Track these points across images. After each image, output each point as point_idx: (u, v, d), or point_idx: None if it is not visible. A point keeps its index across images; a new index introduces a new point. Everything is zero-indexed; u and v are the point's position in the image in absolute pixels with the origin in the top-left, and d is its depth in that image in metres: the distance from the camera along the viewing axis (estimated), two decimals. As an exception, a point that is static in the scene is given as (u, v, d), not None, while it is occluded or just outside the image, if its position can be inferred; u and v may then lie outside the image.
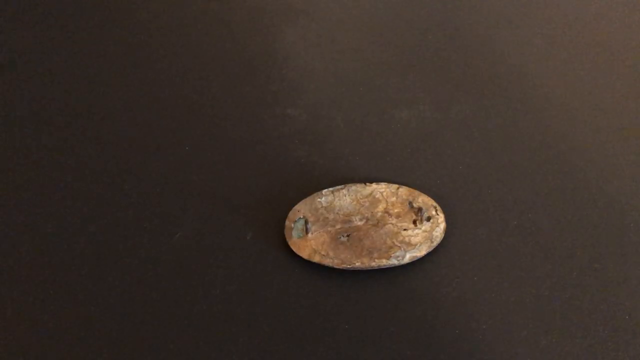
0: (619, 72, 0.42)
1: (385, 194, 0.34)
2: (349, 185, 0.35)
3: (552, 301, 0.31)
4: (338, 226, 0.33)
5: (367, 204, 0.34)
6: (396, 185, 0.35)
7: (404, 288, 0.32)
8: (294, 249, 0.32)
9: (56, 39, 0.46)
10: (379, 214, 0.33)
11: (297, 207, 0.34)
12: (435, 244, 0.32)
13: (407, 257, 0.32)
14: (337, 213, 0.33)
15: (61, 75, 0.43)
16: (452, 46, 0.45)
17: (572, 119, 0.40)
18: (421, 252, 0.32)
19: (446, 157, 0.38)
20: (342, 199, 0.34)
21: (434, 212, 0.33)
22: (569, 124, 0.39)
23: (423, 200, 0.34)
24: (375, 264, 0.32)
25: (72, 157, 0.38)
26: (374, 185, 0.34)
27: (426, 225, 0.33)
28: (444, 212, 0.34)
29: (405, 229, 0.33)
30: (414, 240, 0.32)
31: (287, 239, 0.33)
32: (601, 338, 0.30)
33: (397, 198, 0.34)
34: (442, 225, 0.33)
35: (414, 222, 0.33)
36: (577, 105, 0.40)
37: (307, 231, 0.33)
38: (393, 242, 0.32)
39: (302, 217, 0.33)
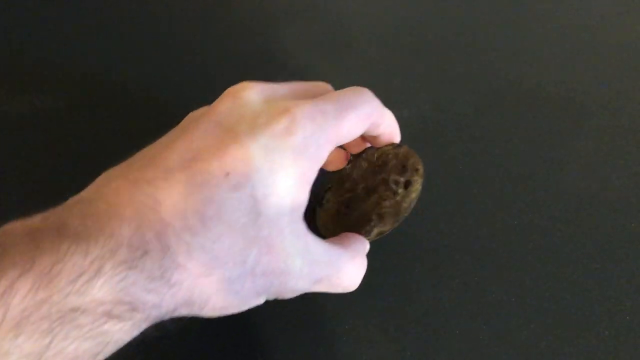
0: (622, 71, 0.42)
1: (391, 155, 0.31)
2: (369, 149, 0.32)
3: (552, 301, 0.31)
4: (347, 195, 0.31)
5: (377, 168, 0.31)
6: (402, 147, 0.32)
7: (404, 287, 0.32)
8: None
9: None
10: (377, 180, 0.31)
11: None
12: (401, 217, 0.30)
13: (375, 233, 0.30)
14: (352, 181, 0.32)
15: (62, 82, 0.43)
16: (452, 46, 0.45)
17: (573, 118, 0.40)
18: (386, 226, 0.30)
19: (446, 157, 0.38)
20: (360, 165, 0.32)
21: (415, 177, 0.30)
22: (570, 123, 0.39)
23: (414, 162, 0.31)
24: None
25: (74, 160, 0.38)
26: (384, 148, 0.32)
27: (400, 195, 0.30)
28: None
29: (385, 199, 0.31)
30: (386, 212, 0.30)
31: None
32: (601, 338, 0.30)
33: (397, 160, 0.31)
34: (413, 195, 0.30)
35: (393, 191, 0.31)
36: (578, 104, 0.40)
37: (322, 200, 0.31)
38: (371, 216, 0.30)
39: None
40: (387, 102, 0.42)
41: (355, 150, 0.32)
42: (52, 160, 0.38)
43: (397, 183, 0.30)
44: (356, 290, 0.32)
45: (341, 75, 0.42)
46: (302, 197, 0.23)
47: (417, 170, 0.30)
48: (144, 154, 0.22)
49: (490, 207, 0.35)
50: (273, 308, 0.31)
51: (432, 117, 0.40)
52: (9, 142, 0.39)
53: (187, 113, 0.26)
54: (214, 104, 0.24)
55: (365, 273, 0.32)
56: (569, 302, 0.31)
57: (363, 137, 0.31)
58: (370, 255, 0.33)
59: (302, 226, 0.23)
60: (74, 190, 0.22)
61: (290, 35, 0.46)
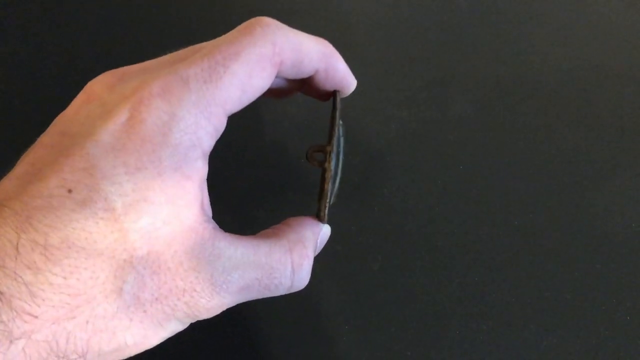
0: (622, 71, 0.42)
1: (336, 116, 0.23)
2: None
3: (552, 301, 0.31)
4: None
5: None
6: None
7: (404, 287, 0.32)
8: None
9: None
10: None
11: None
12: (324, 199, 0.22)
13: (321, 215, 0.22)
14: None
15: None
16: (452, 46, 0.45)
17: (573, 119, 0.40)
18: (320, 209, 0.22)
19: (446, 157, 0.37)
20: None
21: (328, 147, 0.22)
22: (570, 123, 0.39)
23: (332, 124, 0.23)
24: None
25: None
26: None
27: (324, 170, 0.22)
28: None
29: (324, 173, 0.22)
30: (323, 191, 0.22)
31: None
32: (601, 338, 0.30)
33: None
34: (327, 174, 0.21)
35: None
36: (578, 104, 0.40)
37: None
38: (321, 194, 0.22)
39: None
40: (387, 102, 0.42)
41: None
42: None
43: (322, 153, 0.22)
44: (355, 291, 0.32)
45: (341, 75, 0.42)
46: (183, 197, 0.18)
47: (331, 137, 0.22)
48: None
49: (490, 207, 0.35)
50: (273, 308, 0.31)
51: (432, 117, 0.40)
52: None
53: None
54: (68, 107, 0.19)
55: (366, 273, 0.32)
56: (569, 302, 0.31)
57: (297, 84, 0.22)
58: (370, 256, 0.33)
59: (201, 230, 0.18)
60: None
61: (290, 35, 0.46)
